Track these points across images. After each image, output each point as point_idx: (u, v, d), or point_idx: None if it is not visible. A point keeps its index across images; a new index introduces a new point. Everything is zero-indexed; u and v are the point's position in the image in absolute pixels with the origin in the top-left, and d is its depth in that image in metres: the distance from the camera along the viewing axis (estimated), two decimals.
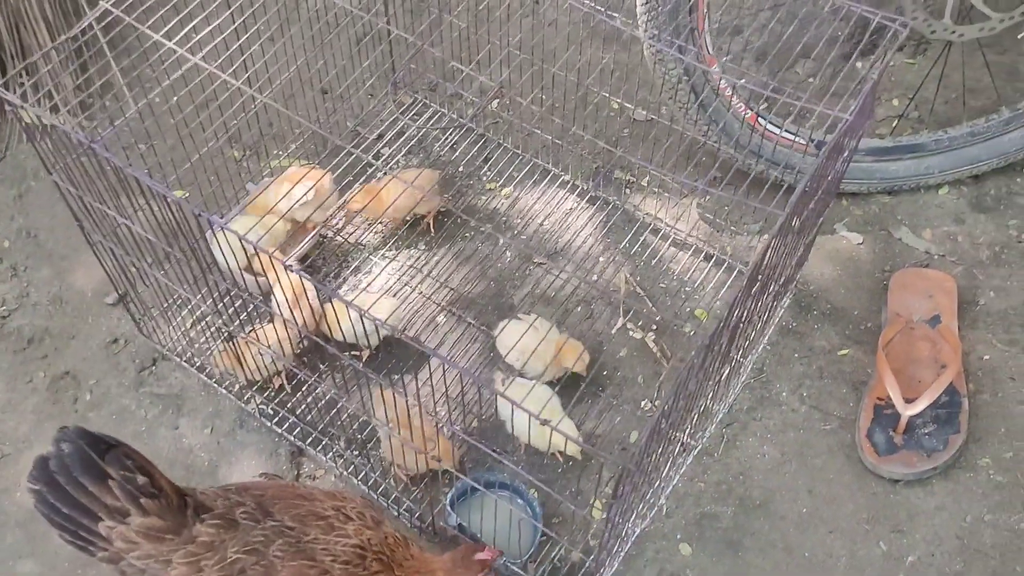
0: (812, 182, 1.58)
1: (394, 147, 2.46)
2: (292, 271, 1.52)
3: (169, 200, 1.50)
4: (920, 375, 2.11)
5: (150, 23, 1.69)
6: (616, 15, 1.84)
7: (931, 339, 2.17)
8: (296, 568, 1.52)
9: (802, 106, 1.56)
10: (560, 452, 1.96)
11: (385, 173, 2.33)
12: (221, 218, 1.85)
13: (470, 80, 2.48)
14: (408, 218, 2.26)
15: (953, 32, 2.16)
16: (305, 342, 2.06)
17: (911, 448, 2.04)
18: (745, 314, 1.72)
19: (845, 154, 1.77)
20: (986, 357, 2.19)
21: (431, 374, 1.97)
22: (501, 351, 2.06)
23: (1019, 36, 2.09)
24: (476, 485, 1.77)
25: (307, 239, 2.18)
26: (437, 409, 1.91)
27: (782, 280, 2.06)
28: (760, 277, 1.64)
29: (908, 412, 2.04)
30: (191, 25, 1.77)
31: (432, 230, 2.29)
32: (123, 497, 1.47)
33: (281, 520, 1.56)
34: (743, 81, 1.89)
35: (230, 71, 1.72)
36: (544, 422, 1.35)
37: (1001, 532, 1.97)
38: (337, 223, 2.29)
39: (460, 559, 1.61)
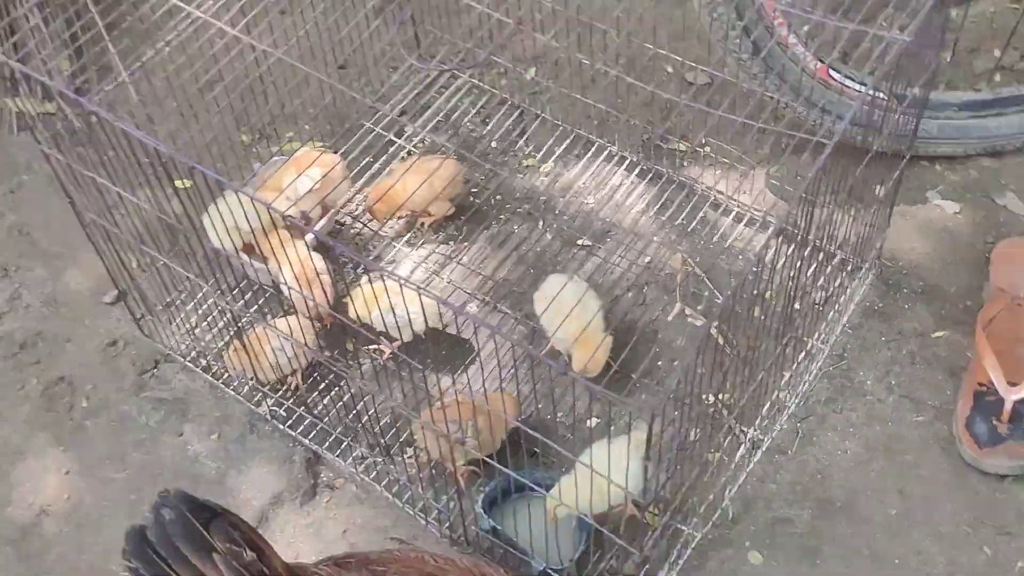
0: (864, 129, 1.65)
1: (418, 123, 2.59)
2: (313, 235, 1.64)
3: (160, 151, 1.63)
4: None
5: None
6: None
7: None
8: None
9: (852, 30, 1.64)
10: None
11: (403, 157, 2.46)
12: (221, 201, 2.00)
13: (506, 48, 2.61)
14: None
15: None
16: (322, 342, 2.17)
17: (1018, 438, 2.08)
18: (796, 281, 1.79)
19: (909, 97, 1.85)
20: None
21: (479, 355, 2.02)
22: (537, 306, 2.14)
23: None
24: (520, 479, 1.83)
25: (322, 222, 2.32)
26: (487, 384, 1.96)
27: (849, 249, 2.12)
28: (798, 235, 1.72)
29: (1013, 397, 2.09)
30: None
31: (429, 231, 2.37)
32: (227, 574, 1.46)
33: None
34: (806, 27, 1.95)
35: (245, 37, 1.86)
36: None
37: None
38: (354, 209, 2.42)
39: None
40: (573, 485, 1.86)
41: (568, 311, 1.93)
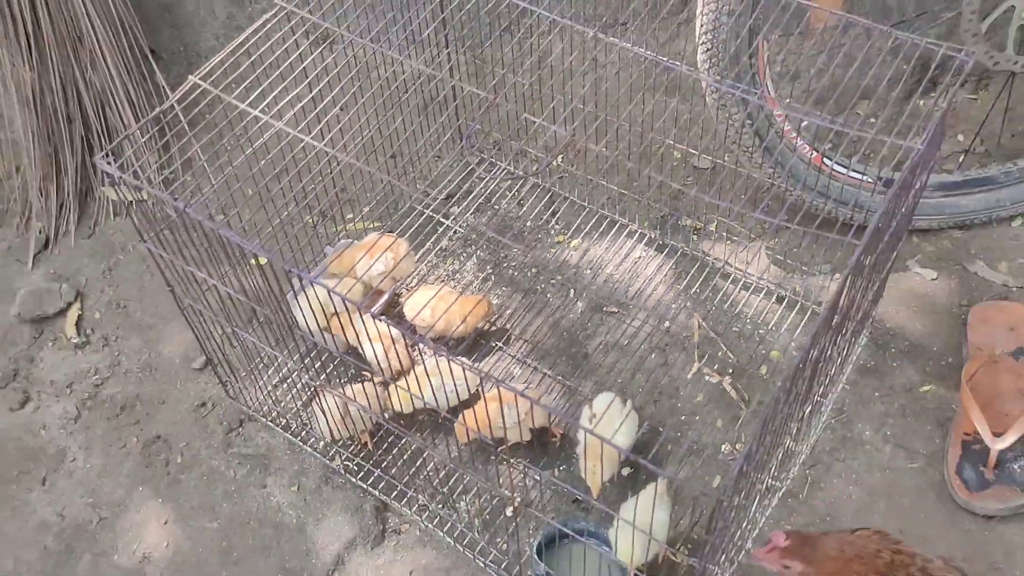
0: (885, 216, 1.58)
1: (463, 206, 2.50)
2: (378, 319, 1.57)
3: (253, 252, 1.55)
4: (1007, 408, 2.08)
5: (235, 95, 1.77)
6: (678, 63, 1.88)
7: (1015, 371, 2.13)
8: None
9: (872, 139, 1.57)
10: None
11: (450, 238, 2.36)
12: (302, 280, 1.93)
13: (535, 138, 2.54)
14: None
15: (1016, 63, 2.16)
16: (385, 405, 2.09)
17: (1004, 483, 1.99)
18: (823, 354, 1.72)
19: (916, 188, 1.78)
20: None
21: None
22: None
23: None
24: (564, 530, 1.78)
25: (384, 299, 2.23)
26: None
27: (859, 317, 2.05)
28: (836, 316, 1.64)
29: (998, 446, 2.01)
30: (271, 96, 1.84)
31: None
32: None
33: None
34: (806, 122, 1.90)
35: (309, 135, 1.79)
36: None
37: None
38: (410, 283, 2.34)
39: None
40: (624, 539, 1.77)
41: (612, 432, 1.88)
